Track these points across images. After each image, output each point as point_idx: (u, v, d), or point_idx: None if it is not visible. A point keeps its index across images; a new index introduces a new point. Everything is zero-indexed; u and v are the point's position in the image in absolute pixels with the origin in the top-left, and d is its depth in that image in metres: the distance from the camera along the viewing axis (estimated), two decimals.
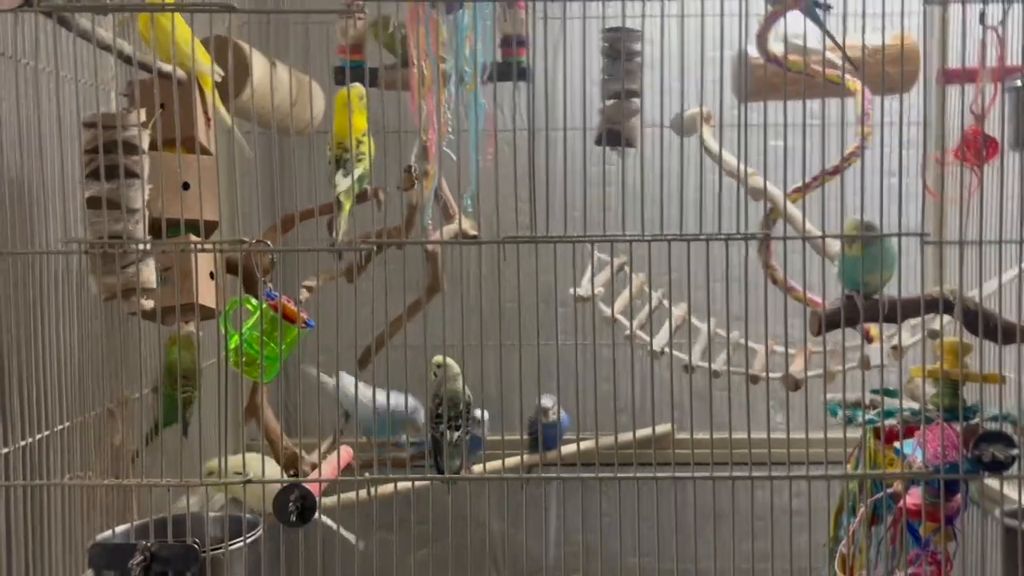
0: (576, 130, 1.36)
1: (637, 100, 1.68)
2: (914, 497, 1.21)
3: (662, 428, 2.10)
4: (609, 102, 1.69)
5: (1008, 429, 1.17)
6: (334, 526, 1.54)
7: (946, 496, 1.18)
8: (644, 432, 2.05)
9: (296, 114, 1.65)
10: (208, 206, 1.29)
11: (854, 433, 1.48)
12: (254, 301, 1.23)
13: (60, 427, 1.24)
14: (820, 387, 1.52)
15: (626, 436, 2.03)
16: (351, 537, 1.55)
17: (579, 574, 1.96)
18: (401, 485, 1.68)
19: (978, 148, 1.21)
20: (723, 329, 1.80)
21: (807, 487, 1.49)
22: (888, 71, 1.46)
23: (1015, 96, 1.23)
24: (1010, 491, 1.27)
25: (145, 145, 1.21)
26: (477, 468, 1.80)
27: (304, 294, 1.55)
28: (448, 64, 1.41)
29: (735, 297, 1.23)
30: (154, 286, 1.19)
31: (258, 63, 1.51)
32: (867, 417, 1.26)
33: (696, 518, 1.83)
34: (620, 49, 1.62)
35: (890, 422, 1.25)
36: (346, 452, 1.44)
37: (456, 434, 1.52)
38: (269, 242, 1.16)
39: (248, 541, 1.11)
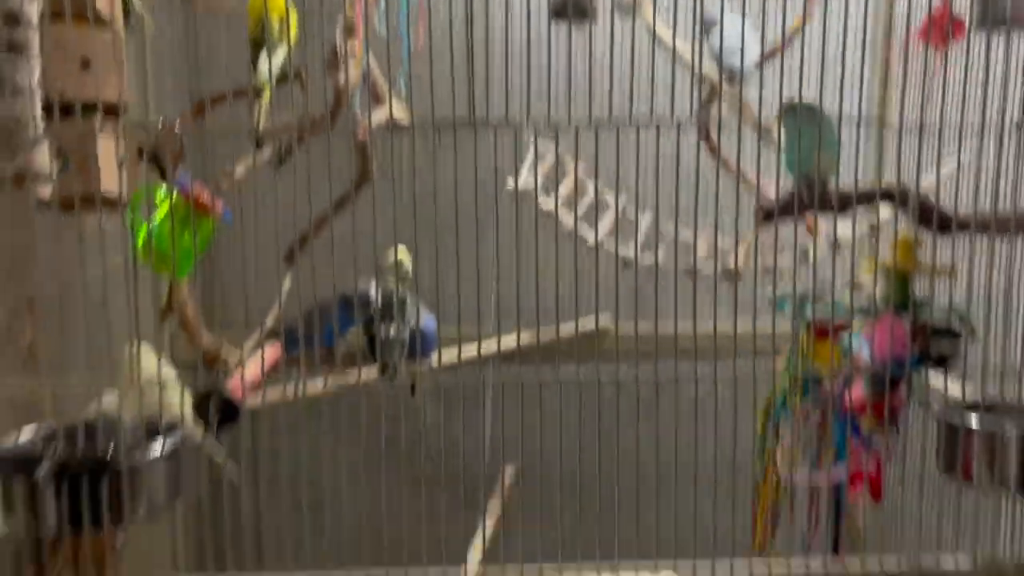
0: None
1: None
2: (858, 392, 1.19)
3: (601, 322, 2.07)
4: None
5: (956, 324, 1.16)
6: (217, 454, 1.42)
7: (893, 391, 1.17)
8: (583, 326, 2.03)
9: None
10: (111, 85, 1.17)
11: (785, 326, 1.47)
12: (163, 192, 1.13)
13: None
14: (762, 280, 1.49)
15: (565, 329, 2.01)
16: (220, 457, 1.44)
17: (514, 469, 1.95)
18: (330, 384, 1.62)
19: (944, 30, 1.15)
20: (664, 221, 1.76)
21: (751, 380, 1.48)
22: None
23: None
24: (953, 387, 1.26)
25: (34, 16, 1.07)
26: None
27: (224, 184, 1.44)
28: None
29: (677, 187, 1.17)
30: (48, 172, 1.08)
31: None
32: (811, 311, 1.23)
33: (637, 414, 1.81)
34: None
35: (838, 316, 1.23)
36: (272, 350, 1.36)
37: (392, 330, 1.45)
38: (178, 125, 1.04)
39: (167, 447, 1.04)
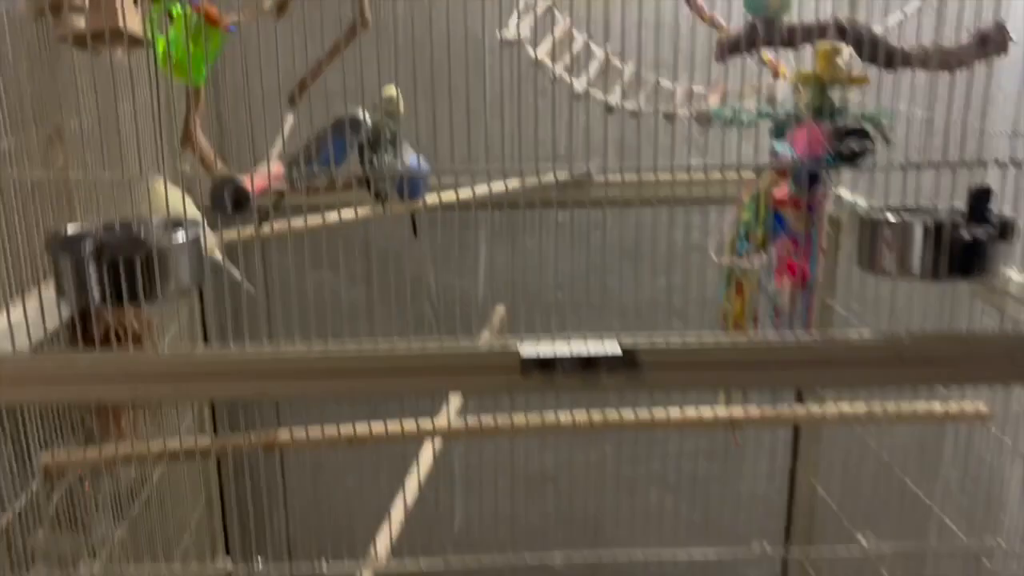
0: None
1: None
2: (783, 189, 1.36)
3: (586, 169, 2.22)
4: None
5: (869, 127, 1.31)
6: (234, 272, 1.61)
7: (810, 187, 1.34)
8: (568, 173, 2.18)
9: None
10: None
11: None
12: (177, 8, 1.28)
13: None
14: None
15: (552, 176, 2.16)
16: (238, 275, 1.62)
17: (503, 307, 2.14)
18: (330, 218, 1.79)
19: None
20: (644, 70, 1.89)
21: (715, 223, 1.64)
22: None
23: None
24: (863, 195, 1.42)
25: None
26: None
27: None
28: None
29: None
30: (80, 2, 1.22)
31: None
32: (744, 117, 1.38)
33: (617, 253, 1.98)
34: None
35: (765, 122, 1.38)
36: (276, 166, 1.52)
37: (384, 159, 1.60)
38: None
39: (189, 237, 1.23)
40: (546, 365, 1.17)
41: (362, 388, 1.19)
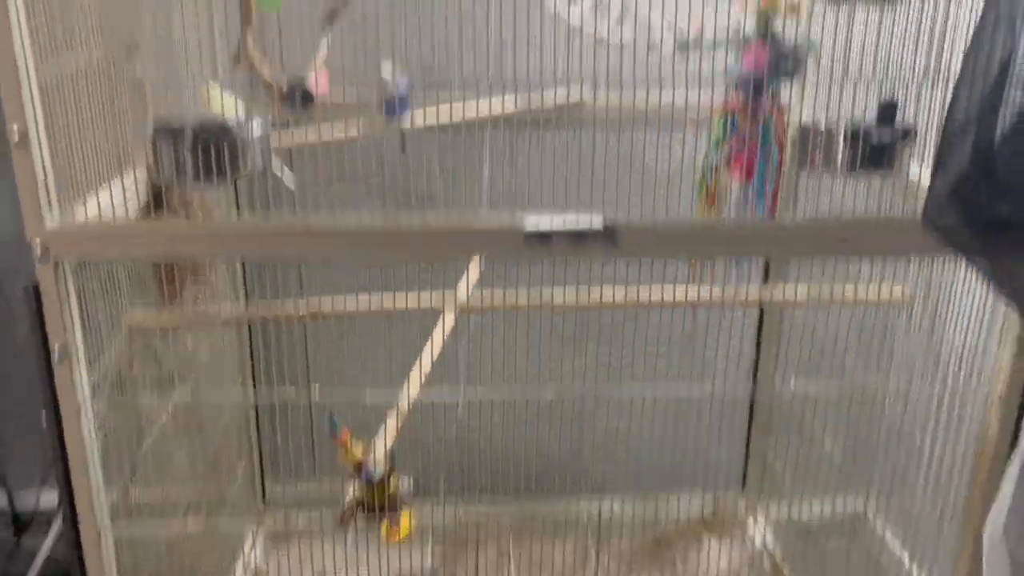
0: None
1: None
2: (735, 100, 1.70)
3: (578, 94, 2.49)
4: None
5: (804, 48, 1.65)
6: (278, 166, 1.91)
7: (755, 97, 1.67)
8: (562, 97, 2.45)
9: None
10: None
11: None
12: None
13: None
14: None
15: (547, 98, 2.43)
16: (279, 169, 1.90)
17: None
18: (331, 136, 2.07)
19: None
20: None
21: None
22: None
23: None
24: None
25: None
26: None
27: None
28: None
29: None
30: None
31: None
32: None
33: None
34: None
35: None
36: (323, 73, 1.80)
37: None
38: None
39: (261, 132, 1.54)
40: (544, 237, 1.48)
41: (390, 254, 1.49)
